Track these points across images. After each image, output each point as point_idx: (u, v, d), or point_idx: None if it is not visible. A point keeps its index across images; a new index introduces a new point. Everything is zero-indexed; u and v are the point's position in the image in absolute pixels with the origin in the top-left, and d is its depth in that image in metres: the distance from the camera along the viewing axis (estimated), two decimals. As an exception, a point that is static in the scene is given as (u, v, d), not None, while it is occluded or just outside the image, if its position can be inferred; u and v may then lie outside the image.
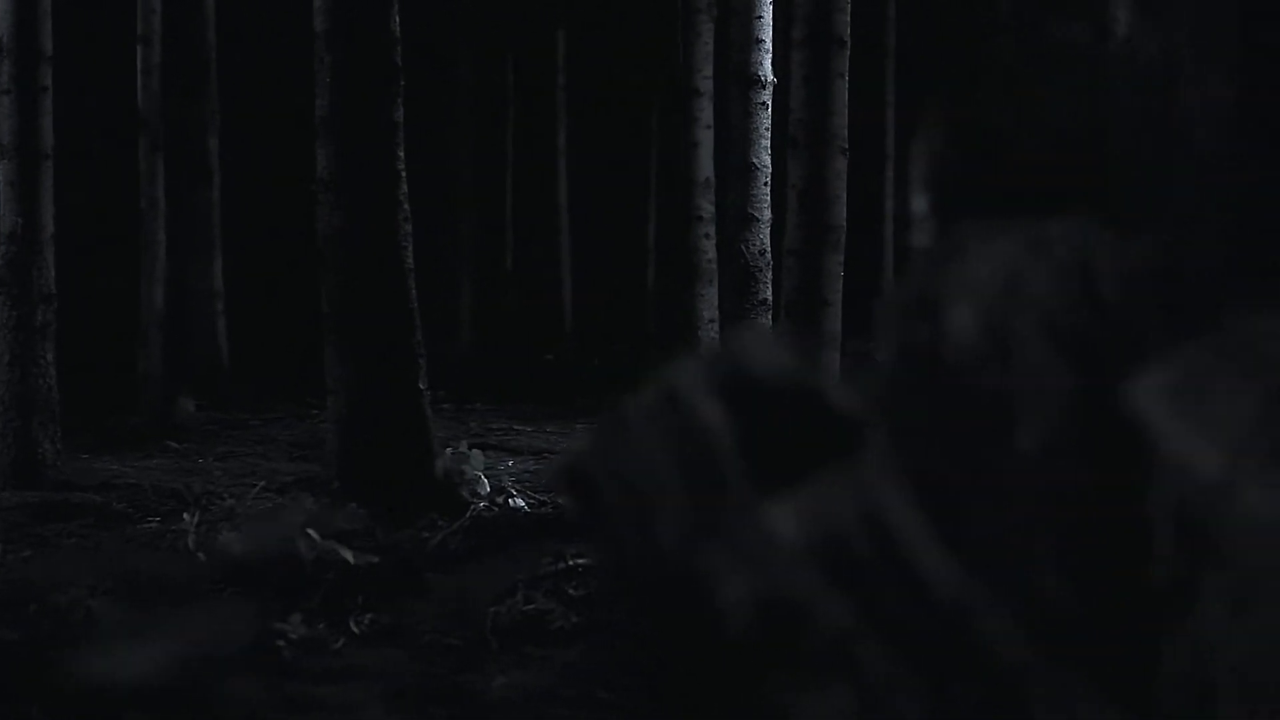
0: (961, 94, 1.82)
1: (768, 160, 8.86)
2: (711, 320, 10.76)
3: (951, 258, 1.50)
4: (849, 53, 7.21)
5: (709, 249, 10.75)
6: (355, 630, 4.60)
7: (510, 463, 7.87)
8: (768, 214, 8.84)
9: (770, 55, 8.86)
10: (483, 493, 6.23)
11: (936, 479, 1.39)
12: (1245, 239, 1.59)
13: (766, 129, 8.84)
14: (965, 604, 1.29)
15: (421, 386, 6.20)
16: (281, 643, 4.46)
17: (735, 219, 9.01)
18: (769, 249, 8.73)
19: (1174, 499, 1.11)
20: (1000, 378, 1.42)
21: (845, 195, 7.25)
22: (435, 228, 18.01)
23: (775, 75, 8.78)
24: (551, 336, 17.33)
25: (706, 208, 11.07)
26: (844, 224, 7.25)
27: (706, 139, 11.07)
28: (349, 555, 4.73)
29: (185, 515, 5.43)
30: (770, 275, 8.78)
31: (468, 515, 5.91)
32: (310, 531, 4.72)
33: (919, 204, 1.77)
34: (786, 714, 1.31)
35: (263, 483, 6.27)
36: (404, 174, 6.20)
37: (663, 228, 16.93)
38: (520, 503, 6.27)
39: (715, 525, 1.30)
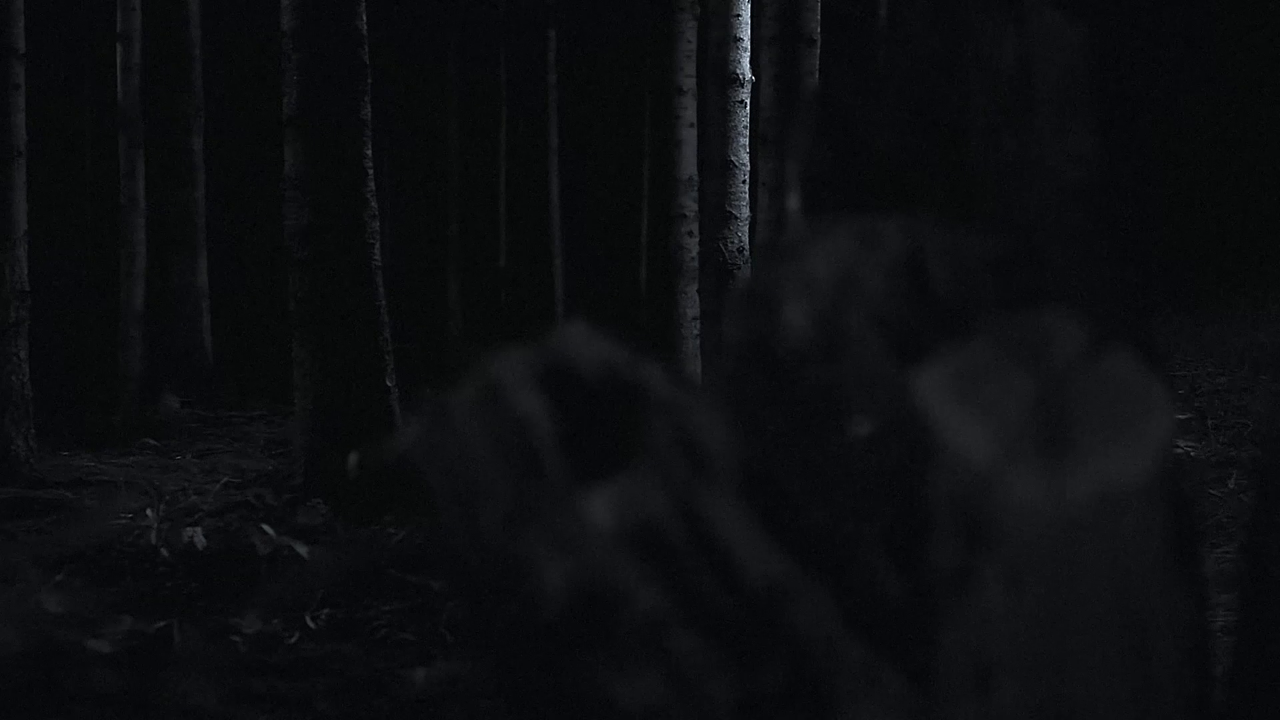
0: (833, 92, 1.85)
1: (746, 158, 8.89)
2: (695, 318, 10.80)
3: (792, 253, 1.53)
4: (819, 51, 7.25)
5: (692, 246, 10.79)
6: (311, 625, 4.63)
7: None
8: (746, 212, 8.88)
9: (749, 53, 8.89)
10: (451, 489, 6.23)
11: (768, 470, 1.42)
12: (1089, 241, 1.62)
13: (745, 127, 8.87)
14: (778, 589, 1.32)
15: (389, 384, 6.23)
16: (236, 638, 4.49)
17: (713, 217, 9.05)
18: (747, 246, 8.77)
19: (952, 485, 1.14)
20: (832, 371, 1.45)
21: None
22: (428, 226, 18.04)
23: (754, 74, 8.81)
24: (544, 334, 17.37)
25: (689, 206, 11.10)
26: (814, 222, 7.26)
27: (689, 137, 11.10)
28: (304, 551, 4.76)
29: (148, 511, 5.46)
30: (749, 272, 8.80)
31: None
32: (265, 527, 4.75)
33: (792, 201, 1.81)
34: (603, 696, 1.34)
35: (226, 478, 6.30)
36: (371, 171, 6.24)
37: (655, 225, 16.97)
38: (490, 499, 6.26)
39: (534, 513, 1.33)
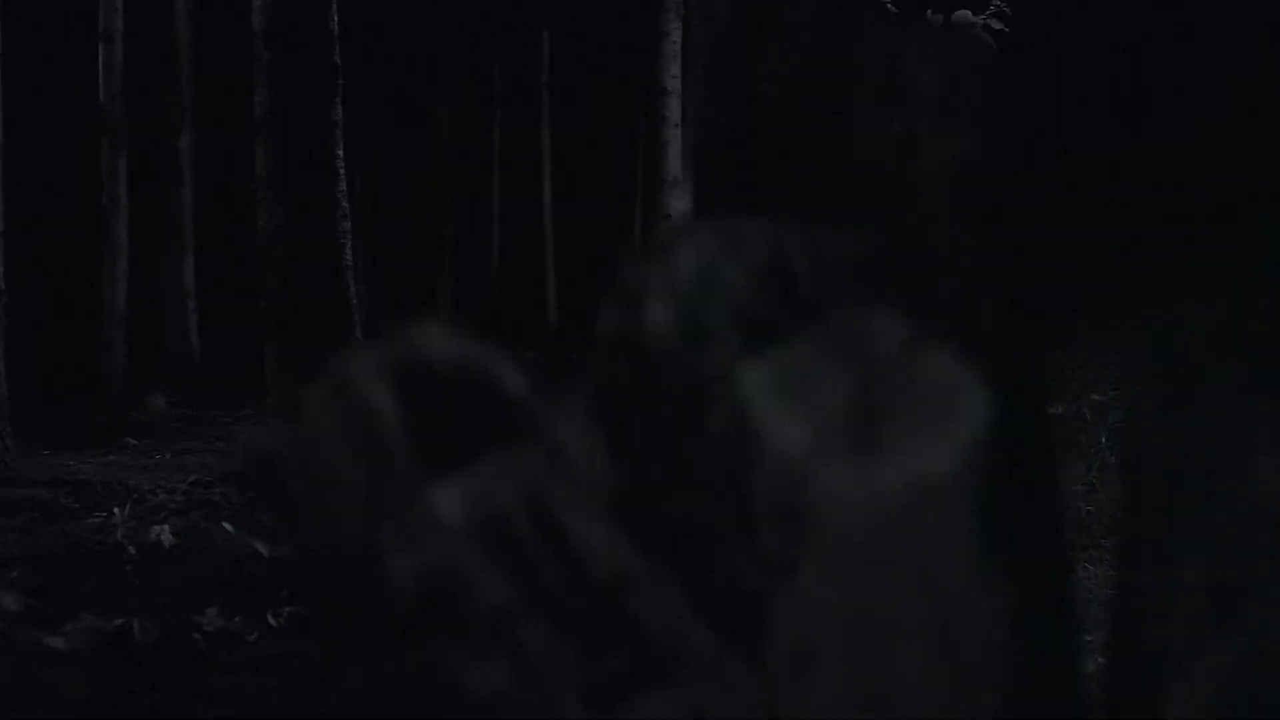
0: (724, 94, 1.88)
1: (727, 158, 8.88)
2: (680, 318, 10.80)
3: (660, 252, 1.56)
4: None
5: (677, 247, 10.81)
6: (272, 623, 4.66)
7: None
8: (728, 212, 8.89)
9: (731, 53, 8.88)
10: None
11: (632, 463, 1.45)
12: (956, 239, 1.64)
13: (727, 127, 8.87)
14: (624, 579, 1.34)
15: (360, 382, 6.24)
16: (197, 635, 4.52)
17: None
18: (729, 246, 8.78)
19: (771, 476, 1.17)
20: (693, 366, 1.47)
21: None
22: (420, 226, 18.07)
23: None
24: (535, 333, 17.43)
25: (676, 206, 11.12)
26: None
27: (675, 137, 11.11)
28: (263, 548, 4.79)
29: (115, 509, 5.49)
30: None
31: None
32: (225, 525, 4.78)
33: (684, 200, 1.83)
34: (452, 684, 1.36)
35: (193, 476, 6.33)
36: (343, 172, 6.26)
37: (648, 225, 16.99)
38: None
39: (385, 506, 1.36)
